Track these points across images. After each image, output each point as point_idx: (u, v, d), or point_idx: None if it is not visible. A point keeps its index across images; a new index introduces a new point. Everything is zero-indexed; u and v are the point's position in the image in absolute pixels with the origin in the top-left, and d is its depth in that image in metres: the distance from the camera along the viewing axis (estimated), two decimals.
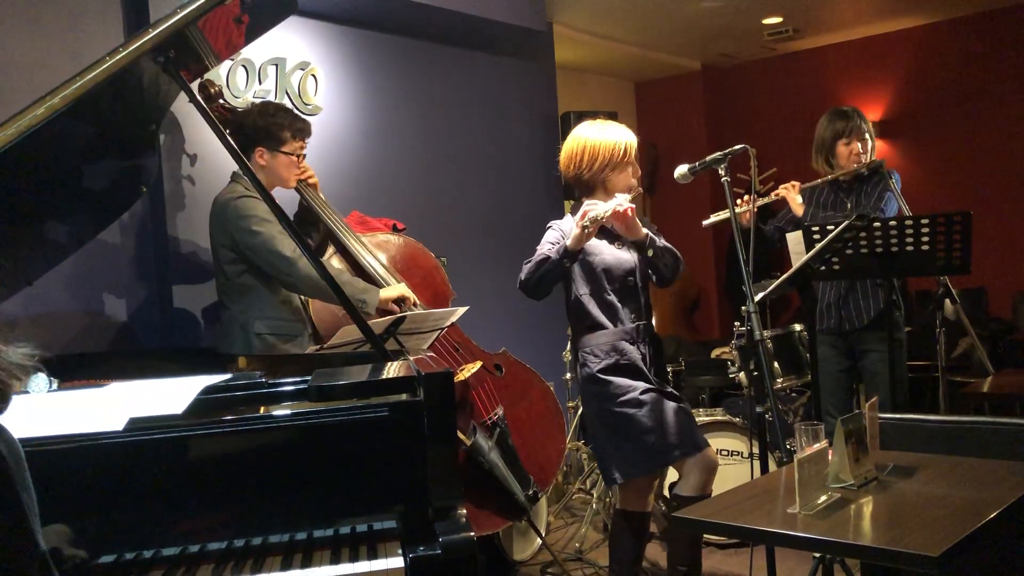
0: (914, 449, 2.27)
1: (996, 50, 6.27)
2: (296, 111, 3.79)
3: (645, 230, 2.85)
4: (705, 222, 3.61)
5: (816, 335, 3.63)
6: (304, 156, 3.26)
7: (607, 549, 3.13)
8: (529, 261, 2.84)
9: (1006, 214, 6.11)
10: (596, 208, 2.68)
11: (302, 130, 3.21)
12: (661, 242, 2.91)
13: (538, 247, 2.88)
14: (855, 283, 3.60)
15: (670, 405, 2.83)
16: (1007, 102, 6.23)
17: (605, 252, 2.87)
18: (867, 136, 3.66)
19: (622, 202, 2.73)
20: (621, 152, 2.85)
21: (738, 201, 3.46)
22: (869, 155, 3.67)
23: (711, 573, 3.69)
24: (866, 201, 3.63)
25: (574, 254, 2.74)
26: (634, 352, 2.84)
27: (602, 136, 2.86)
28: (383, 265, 3.41)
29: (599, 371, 2.82)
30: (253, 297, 3.11)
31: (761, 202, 3.63)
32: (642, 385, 2.81)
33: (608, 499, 4.09)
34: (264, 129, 3.12)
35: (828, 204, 3.71)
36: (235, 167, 3.20)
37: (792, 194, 3.68)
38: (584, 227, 2.66)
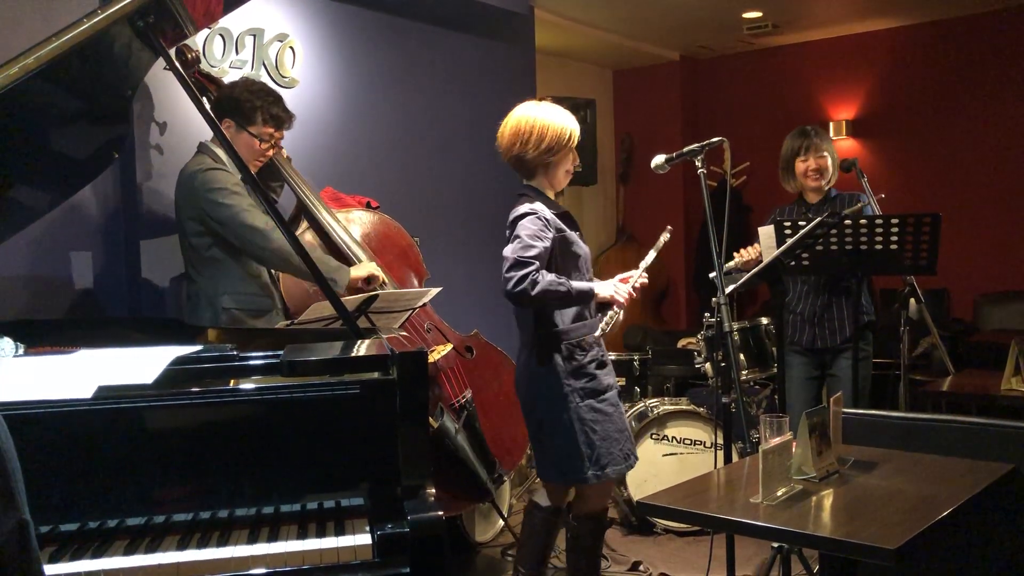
0: (875, 445, 2.31)
1: (969, 55, 6.35)
2: (274, 84, 3.74)
3: None
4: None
5: (783, 329, 3.65)
6: (275, 145, 3.18)
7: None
8: (526, 264, 2.62)
9: (971, 217, 6.21)
10: (626, 286, 2.77)
11: (277, 118, 3.11)
12: None
13: (525, 236, 2.68)
14: (831, 303, 3.59)
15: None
16: (977, 107, 6.33)
17: (580, 242, 2.84)
18: (825, 153, 3.61)
19: (644, 279, 2.83)
20: (567, 137, 2.78)
21: (740, 252, 3.55)
22: (830, 173, 3.62)
23: (670, 560, 3.74)
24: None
25: (591, 299, 2.77)
26: (603, 344, 2.86)
27: (551, 118, 2.78)
28: (355, 241, 3.39)
29: (588, 363, 2.78)
30: (221, 271, 3.06)
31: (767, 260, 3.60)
32: (616, 385, 2.85)
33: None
34: (238, 102, 3.05)
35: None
36: (204, 137, 3.16)
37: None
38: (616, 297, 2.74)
